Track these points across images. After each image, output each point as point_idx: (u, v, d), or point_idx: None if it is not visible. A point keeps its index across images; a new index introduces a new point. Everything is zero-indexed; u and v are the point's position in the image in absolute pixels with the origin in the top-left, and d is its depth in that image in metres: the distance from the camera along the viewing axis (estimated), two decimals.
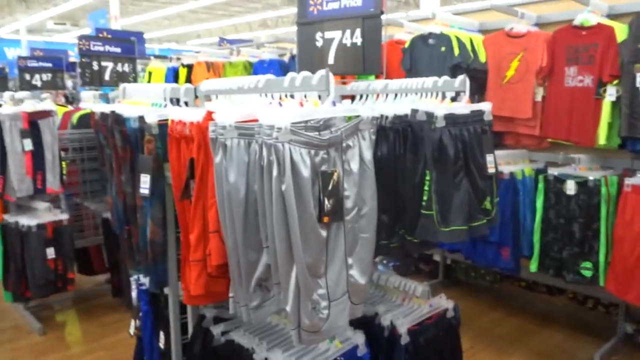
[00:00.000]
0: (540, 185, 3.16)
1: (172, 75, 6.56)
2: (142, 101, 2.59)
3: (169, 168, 2.09)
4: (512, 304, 4.11)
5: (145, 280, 2.48)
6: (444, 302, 2.23)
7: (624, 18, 3.00)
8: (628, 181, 2.79)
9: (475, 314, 3.91)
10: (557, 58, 3.22)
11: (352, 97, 2.57)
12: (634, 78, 2.80)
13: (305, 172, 1.54)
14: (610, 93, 2.95)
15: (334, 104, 1.79)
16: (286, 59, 5.66)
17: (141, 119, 2.23)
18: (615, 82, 2.92)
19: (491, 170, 2.02)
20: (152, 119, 2.15)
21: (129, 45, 5.60)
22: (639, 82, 2.78)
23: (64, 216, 3.61)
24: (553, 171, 3.12)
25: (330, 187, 1.60)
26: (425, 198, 1.88)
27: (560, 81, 3.21)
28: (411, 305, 2.23)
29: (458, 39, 3.51)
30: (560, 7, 3.43)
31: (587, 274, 2.96)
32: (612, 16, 3.11)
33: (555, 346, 3.45)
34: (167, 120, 2.07)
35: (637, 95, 2.79)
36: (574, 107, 3.14)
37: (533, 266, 3.21)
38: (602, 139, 2.98)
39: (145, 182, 2.13)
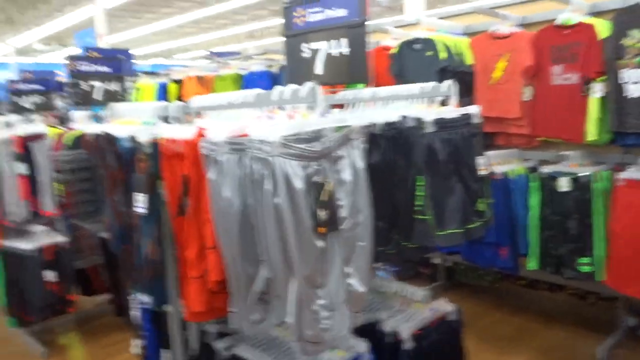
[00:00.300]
0: (534, 184, 3.18)
1: (162, 91, 6.58)
2: (132, 120, 2.60)
3: (163, 186, 2.10)
4: (513, 303, 4.12)
5: (145, 299, 2.48)
6: (445, 306, 2.24)
7: (605, 15, 3.04)
8: (620, 175, 2.82)
9: (477, 314, 3.92)
10: (543, 57, 3.26)
11: (342, 106, 2.59)
12: (618, 74, 2.84)
13: (298, 184, 1.55)
14: (596, 90, 2.98)
15: (323, 115, 1.81)
16: (275, 70, 5.69)
17: (133, 138, 2.24)
18: (601, 78, 2.96)
19: (483, 172, 2.04)
20: (143, 138, 2.16)
21: (117, 64, 5.61)
22: (623, 77, 2.82)
23: (62, 238, 3.60)
24: (545, 169, 3.15)
25: (323, 198, 1.61)
26: (419, 203, 1.89)
27: (546, 80, 3.25)
28: (412, 310, 2.24)
29: (444, 43, 3.54)
30: (542, 7, 3.47)
31: (586, 269, 2.98)
32: (594, 14, 3.15)
33: (559, 343, 3.47)
34: (159, 138, 2.08)
35: (623, 91, 2.83)
36: (562, 105, 3.18)
37: (531, 264, 3.23)
38: (591, 135, 3.01)
39: (140, 201, 2.14)
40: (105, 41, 14.27)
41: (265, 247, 1.66)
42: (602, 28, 2.95)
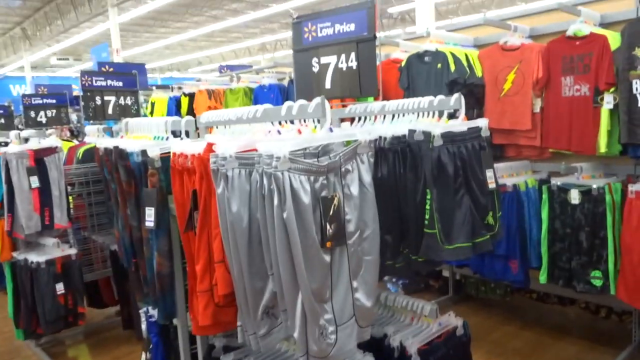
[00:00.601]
0: (545, 196, 3.16)
1: (174, 105, 6.65)
2: (144, 135, 2.63)
3: (172, 200, 2.12)
4: (524, 316, 4.07)
5: (154, 312, 2.49)
6: (453, 320, 2.22)
7: (616, 26, 3.03)
8: (632, 187, 2.79)
9: (488, 328, 3.88)
10: (553, 69, 3.25)
11: (352, 120, 2.60)
12: (630, 85, 2.82)
13: (306, 198, 1.56)
14: (608, 101, 2.96)
15: (331, 129, 1.82)
16: (285, 83, 5.74)
17: (144, 153, 2.27)
18: (612, 89, 2.94)
19: (492, 185, 2.03)
20: (154, 152, 2.19)
21: (131, 78, 5.70)
22: (635, 88, 2.80)
23: (73, 251, 3.63)
24: (556, 181, 3.12)
25: (331, 212, 1.61)
26: (427, 217, 1.89)
27: (557, 91, 3.23)
28: (420, 324, 2.22)
29: (453, 55, 3.55)
30: (552, 18, 3.47)
31: (597, 283, 2.94)
32: (604, 25, 3.14)
33: (571, 358, 3.41)
34: (169, 153, 2.10)
35: (634, 102, 2.81)
36: (572, 116, 3.16)
37: (542, 277, 3.19)
38: (602, 147, 2.98)
39: (150, 215, 2.16)
40: (121, 55, 14.51)
41: (273, 261, 1.66)
42: (613, 39, 2.94)
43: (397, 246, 1.99)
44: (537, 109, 3.36)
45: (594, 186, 2.93)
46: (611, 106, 2.94)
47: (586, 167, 3.09)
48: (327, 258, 1.62)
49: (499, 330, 3.86)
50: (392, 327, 2.14)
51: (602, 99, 2.98)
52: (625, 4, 3.12)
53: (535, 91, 3.33)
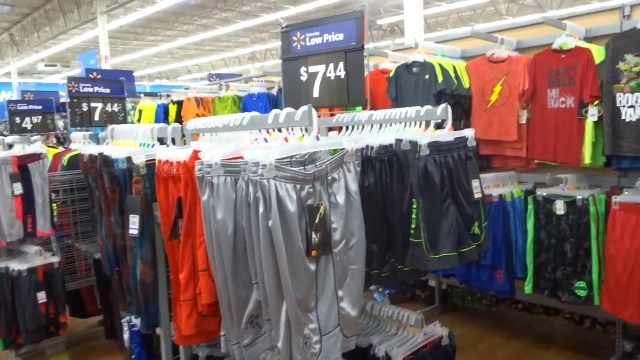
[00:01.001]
0: (530, 207, 3.18)
1: (163, 113, 6.62)
2: (131, 142, 2.61)
3: (157, 208, 2.10)
4: (510, 327, 4.07)
5: (137, 322, 2.45)
6: (439, 330, 2.22)
7: (600, 40, 3.08)
8: (616, 199, 2.82)
9: (474, 339, 3.87)
10: (539, 81, 3.28)
11: (340, 129, 2.60)
12: (614, 98, 2.86)
13: (292, 207, 1.55)
14: (592, 113, 3.00)
15: (318, 138, 1.81)
16: (274, 92, 5.74)
17: (129, 160, 2.25)
18: (597, 102, 2.98)
19: (478, 195, 2.04)
20: (139, 159, 2.17)
21: (118, 86, 5.67)
22: (619, 101, 2.84)
23: (55, 259, 3.58)
24: (542, 192, 3.14)
25: (317, 221, 1.61)
26: (413, 226, 1.89)
27: (543, 103, 3.27)
28: (406, 334, 2.21)
29: (441, 67, 3.58)
30: (538, 32, 3.52)
31: (582, 293, 2.96)
32: (589, 39, 3.18)
33: None
34: (154, 160, 2.09)
35: (618, 115, 2.84)
36: (558, 128, 3.19)
37: (528, 288, 3.20)
38: (587, 159, 3.02)
39: (134, 223, 2.14)
40: (109, 63, 14.45)
41: (258, 270, 1.65)
42: (597, 53, 2.98)
43: (384, 255, 1.98)
44: (524, 121, 3.39)
45: (579, 197, 2.95)
46: (596, 119, 2.98)
47: (571, 179, 3.12)
48: (313, 267, 1.61)
49: (485, 340, 3.86)
50: (377, 337, 2.13)
51: (587, 112, 3.02)
52: (609, 19, 3.18)
53: (521, 103, 3.37)
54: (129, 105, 6.24)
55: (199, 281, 1.84)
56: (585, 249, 2.95)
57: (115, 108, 5.55)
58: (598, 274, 2.92)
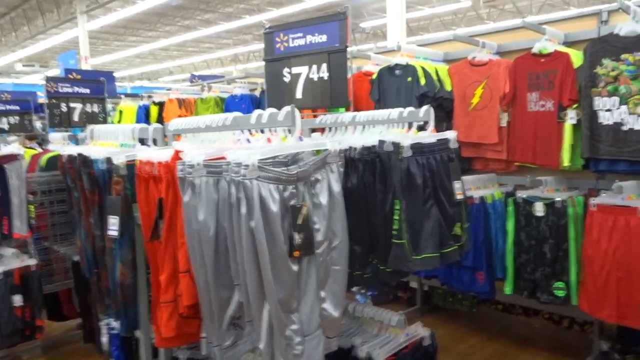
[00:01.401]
0: (510, 208, 3.22)
1: (144, 114, 6.55)
2: (111, 142, 2.57)
3: (137, 209, 2.07)
4: (490, 327, 4.11)
5: (116, 324, 2.42)
6: (420, 330, 2.23)
7: (578, 45, 3.13)
8: (593, 201, 2.86)
9: (455, 339, 3.90)
10: (519, 84, 3.33)
11: (323, 130, 2.60)
12: (591, 101, 2.91)
13: (274, 207, 1.54)
14: (571, 116, 3.05)
15: (301, 139, 1.81)
16: (257, 93, 5.72)
17: (109, 160, 2.22)
18: (575, 105, 3.03)
19: (459, 196, 2.06)
20: (119, 159, 2.14)
21: (98, 86, 5.59)
22: (597, 105, 2.89)
23: (32, 261, 3.50)
24: (522, 194, 3.18)
25: (300, 222, 1.60)
26: (395, 227, 1.89)
27: (523, 106, 3.31)
28: (388, 335, 2.22)
29: (424, 69, 3.60)
30: (519, 35, 3.56)
31: (560, 293, 3.00)
32: (568, 43, 3.24)
33: None
34: (135, 160, 2.06)
35: (596, 118, 2.89)
36: (537, 131, 3.24)
37: (507, 288, 3.24)
38: (565, 161, 3.07)
39: (113, 224, 2.10)
40: (89, 63, 14.25)
41: (240, 270, 1.64)
42: (576, 57, 3.03)
43: (366, 256, 1.99)
44: (504, 123, 3.43)
45: (558, 199, 3.00)
46: (574, 122, 3.03)
47: (550, 181, 3.17)
48: (295, 268, 1.60)
49: (465, 341, 3.89)
50: (359, 338, 2.13)
51: (565, 115, 3.07)
52: (587, 24, 3.24)
53: (502, 106, 3.41)
54: (109, 106, 6.15)
55: (180, 283, 1.82)
56: (564, 250, 2.99)
57: (95, 108, 5.47)
58: (576, 274, 2.97)
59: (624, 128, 2.79)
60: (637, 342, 3.28)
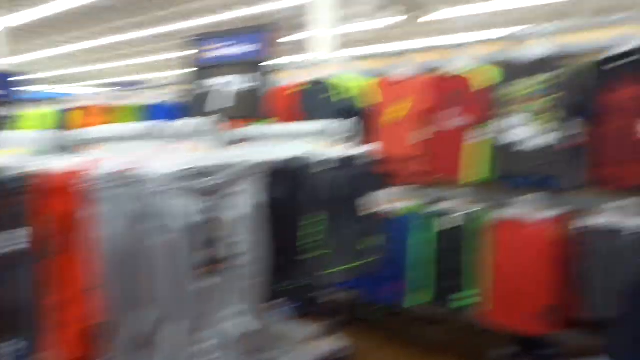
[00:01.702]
0: (424, 221, 3.36)
1: (59, 120, 6.18)
2: (13, 150, 2.39)
3: (36, 223, 1.92)
4: (403, 337, 4.21)
5: (10, 349, 2.23)
6: (336, 342, 2.25)
7: (495, 65, 3.32)
8: (498, 214, 3.07)
9: (371, 350, 3.94)
10: (437, 101, 3.49)
11: (244, 141, 2.58)
12: (503, 119, 3.11)
13: (189, 220, 1.50)
14: (483, 134, 3.24)
15: (221, 149, 1.78)
16: (182, 101, 5.57)
17: (1, 170, 2.04)
18: (486, 123, 3.22)
19: (375, 209, 2.11)
20: (15, 169, 1.97)
21: (5, 88, 5.22)
22: (508, 123, 3.09)
23: None
24: (435, 207, 3.34)
25: (216, 234, 1.57)
26: (313, 239, 1.90)
27: (440, 123, 3.48)
28: (306, 347, 2.21)
29: (345, 85, 3.69)
30: (439, 55, 3.74)
31: (465, 302, 3.18)
32: (485, 63, 3.43)
33: None
34: (35, 170, 1.92)
35: (507, 136, 3.09)
36: (452, 146, 3.40)
37: (416, 298, 3.38)
38: (476, 175, 3.26)
39: (6, 240, 1.94)
40: (7, 62, 13.27)
41: (152, 286, 1.57)
42: (491, 76, 3.22)
43: (284, 269, 1.98)
44: (422, 138, 3.58)
45: (467, 212, 3.18)
46: (486, 138, 3.22)
47: (465, 194, 3.34)
48: (212, 281, 1.56)
49: (381, 351, 3.96)
50: (276, 352, 2.11)
51: (478, 132, 3.26)
52: (504, 46, 3.44)
53: (420, 121, 3.55)
54: (14, 111, 5.76)
55: (85, 301, 1.71)
56: (468, 262, 3.18)
57: (4, 112, 5.09)
58: (482, 284, 3.15)
59: (531, 144, 3.00)
60: (536, 346, 3.51)
